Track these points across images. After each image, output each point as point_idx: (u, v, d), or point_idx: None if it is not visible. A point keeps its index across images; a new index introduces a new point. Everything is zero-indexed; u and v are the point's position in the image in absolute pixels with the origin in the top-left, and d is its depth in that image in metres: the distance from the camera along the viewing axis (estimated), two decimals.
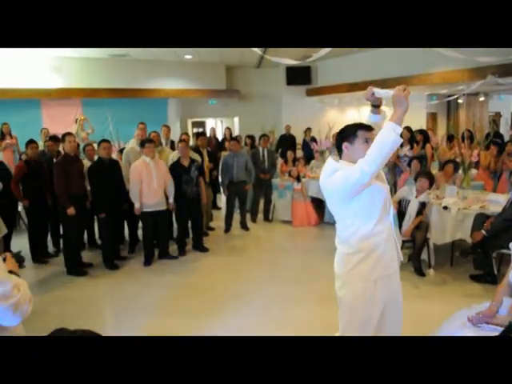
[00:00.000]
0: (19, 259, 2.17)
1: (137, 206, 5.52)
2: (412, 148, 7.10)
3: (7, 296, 1.63)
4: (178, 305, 4.44)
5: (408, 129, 7.23)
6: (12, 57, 9.53)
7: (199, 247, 6.22)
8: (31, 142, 5.87)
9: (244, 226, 7.34)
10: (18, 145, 8.89)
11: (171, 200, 5.74)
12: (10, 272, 1.87)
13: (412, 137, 7.30)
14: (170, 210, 5.88)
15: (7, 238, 5.63)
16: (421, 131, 7.91)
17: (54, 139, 6.50)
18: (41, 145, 7.20)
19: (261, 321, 4.01)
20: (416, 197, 5.06)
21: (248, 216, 7.67)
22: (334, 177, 2.29)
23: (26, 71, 9.85)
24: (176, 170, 5.87)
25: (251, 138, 9.11)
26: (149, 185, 5.51)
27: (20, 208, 6.70)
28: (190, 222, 6.26)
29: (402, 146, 7.09)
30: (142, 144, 5.63)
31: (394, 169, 7.12)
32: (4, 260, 1.95)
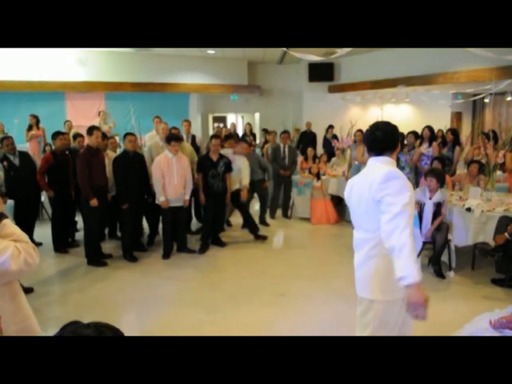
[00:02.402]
0: None
1: (161, 199, 5.55)
2: (430, 146, 6.92)
3: None
4: (195, 298, 4.47)
5: (429, 128, 7.08)
6: (38, 51, 9.69)
7: (217, 241, 6.26)
8: (60, 134, 5.98)
9: (263, 222, 7.33)
10: (44, 136, 9.08)
11: (187, 197, 5.75)
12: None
13: (432, 136, 7.10)
14: (185, 207, 5.88)
15: (30, 227, 5.74)
16: (452, 131, 7.59)
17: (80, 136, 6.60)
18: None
19: (277, 317, 4.01)
20: (430, 198, 4.96)
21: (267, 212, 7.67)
22: (391, 183, 2.17)
23: (52, 64, 10.02)
24: (204, 163, 5.90)
25: (267, 132, 9.09)
26: (170, 180, 5.54)
27: (43, 198, 6.84)
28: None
29: (421, 143, 6.96)
30: (168, 140, 5.63)
31: (416, 168, 6.99)
32: None
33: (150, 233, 6.40)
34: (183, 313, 4.13)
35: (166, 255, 5.76)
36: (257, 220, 7.26)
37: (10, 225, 1.85)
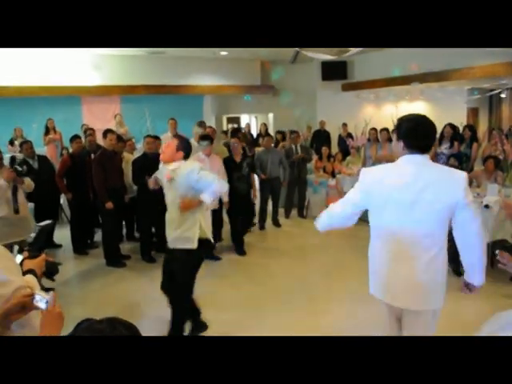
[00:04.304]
0: (51, 268, 1.98)
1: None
2: (452, 146, 6.81)
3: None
4: (214, 299, 4.50)
5: (451, 126, 6.98)
6: (55, 56, 9.85)
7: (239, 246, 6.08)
8: (76, 138, 6.09)
9: (276, 223, 7.34)
10: (61, 140, 9.22)
11: (226, 198, 5.48)
12: (30, 271, 1.81)
13: (454, 134, 7.00)
14: (221, 208, 5.66)
15: (49, 230, 5.85)
16: (470, 127, 7.47)
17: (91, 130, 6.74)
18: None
19: (293, 318, 4.02)
20: None
21: (281, 212, 7.68)
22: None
23: (68, 70, 10.17)
24: (228, 166, 5.73)
25: (282, 133, 9.09)
26: None
27: (62, 201, 6.95)
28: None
29: (440, 143, 6.87)
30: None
31: None
32: (34, 257, 1.91)
33: None
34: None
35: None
36: (270, 220, 7.29)
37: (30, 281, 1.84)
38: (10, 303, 1.52)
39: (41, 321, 1.49)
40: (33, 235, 2.09)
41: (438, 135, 7.00)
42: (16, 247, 1.99)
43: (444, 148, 6.67)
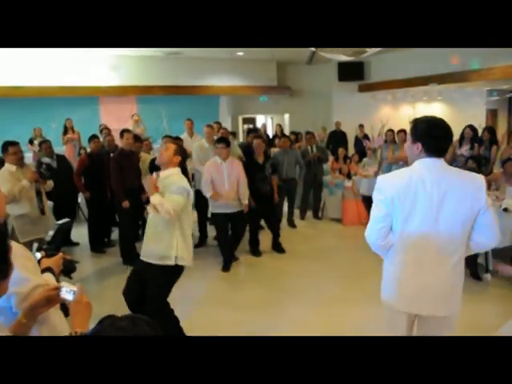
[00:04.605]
0: (69, 266, 2.03)
1: (208, 195, 5.25)
2: (472, 148, 6.67)
3: (18, 284, 1.58)
4: (230, 299, 4.52)
5: (471, 127, 6.86)
6: (73, 57, 10.00)
7: (277, 247, 6.06)
8: (94, 137, 6.17)
9: (291, 224, 7.32)
10: (79, 140, 9.35)
11: (246, 201, 5.32)
12: (48, 269, 1.85)
13: (474, 136, 6.87)
14: (245, 212, 5.42)
15: (67, 229, 5.93)
16: (489, 129, 7.33)
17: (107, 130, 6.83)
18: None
19: (309, 317, 4.02)
20: None
21: (296, 213, 7.66)
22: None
23: (86, 70, 10.31)
24: (250, 167, 5.65)
25: (296, 134, 9.08)
26: (220, 187, 5.21)
27: (80, 199, 7.04)
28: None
29: (461, 145, 6.77)
30: (215, 142, 5.47)
31: None
32: (52, 255, 1.95)
33: (201, 234, 6.33)
34: (215, 311, 4.18)
35: (226, 267, 5.34)
36: (285, 221, 7.28)
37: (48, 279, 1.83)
38: (37, 296, 1.55)
39: (71, 311, 1.52)
40: (51, 233, 2.12)
41: (458, 137, 6.92)
42: (35, 245, 2.02)
43: (464, 150, 6.55)
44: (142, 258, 3.39)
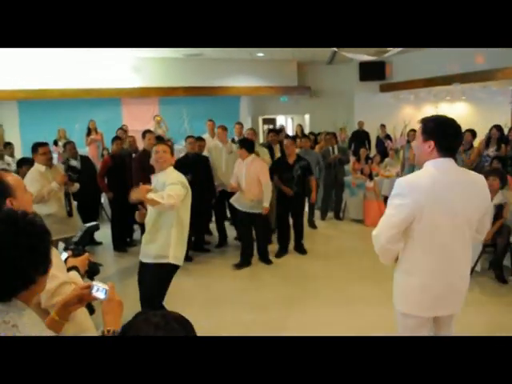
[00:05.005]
0: (93, 268, 2.08)
1: (231, 187, 5.45)
2: (499, 149, 6.50)
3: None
4: (251, 299, 4.52)
5: (498, 127, 6.70)
6: (97, 59, 10.18)
7: (300, 249, 6.03)
8: (116, 139, 6.27)
9: (312, 225, 7.29)
10: (102, 140, 9.50)
11: (266, 204, 5.26)
12: (73, 268, 1.90)
13: (501, 136, 6.70)
14: (263, 215, 5.35)
15: (94, 231, 6.02)
16: None
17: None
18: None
19: (328, 319, 4.00)
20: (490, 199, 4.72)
21: (317, 214, 7.62)
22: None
23: (109, 72, 10.48)
24: (278, 167, 5.77)
25: (315, 135, 9.05)
26: (240, 183, 5.36)
27: (103, 200, 7.15)
28: None
29: (488, 145, 6.62)
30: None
31: (474, 169, 6.65)
32: (78, 255, 2.01)
33: (220, 235, 6.37)
34: (237, 312, 4.19)
35: (237, 265, 5.43)
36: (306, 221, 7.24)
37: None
38: (70, 294, 1.58)
39: (102, 310, 1.55)
40: (79, 234, 2.17)
41: (483, 137, 6.77)
42: (61, 245, 2.07)
43: (491, 151, 6.41)
44: (140, 258, 3.52)
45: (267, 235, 5.99)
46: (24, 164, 5.02)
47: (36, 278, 1.24)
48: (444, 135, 2.09)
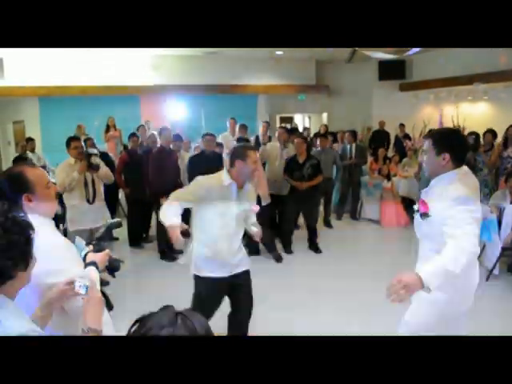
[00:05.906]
0: (113, 264, 2.07)
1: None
2: None
3: (57, 276, 1.65)
4: (264, 298, 4.49)
5: None
6: (116, 57, 10.27)
7: (313, 247, 6.08)
8: (133, 136, 6.34)
9: (327, 224, 7.25)
10: (120, 137, 9.59)
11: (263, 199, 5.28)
12: (92, 263, 1.89)
13: None
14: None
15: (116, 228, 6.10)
16: None
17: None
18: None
19: (342, 320, 3.97)
20: (510, 202, 4.64)
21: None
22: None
23: (128, 70, 10.57)
24: (288, 165, 5.87)
25: (334, 134, 8.98)
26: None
27: (120, 196, 7.23)
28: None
29: (506, 146, 6.47)
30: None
31: (496, 170, 6.49)
32: (98, 251, 1.99)
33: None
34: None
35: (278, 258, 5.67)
36: (321, 221, 7.20)
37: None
38: (52, 292, 1.61)
39: (83, 307, 1.56)
40: (102, 230, 2.18)
41: (501, 138, 6.63)
42: (78, 239, 2.08)
43: (510, 151, 6.28)
44: (231, 273, 3.23)
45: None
46: (19, 162, 5.13)
47: (15, 274, 1.24)
48: (460, 147, 2.19)
